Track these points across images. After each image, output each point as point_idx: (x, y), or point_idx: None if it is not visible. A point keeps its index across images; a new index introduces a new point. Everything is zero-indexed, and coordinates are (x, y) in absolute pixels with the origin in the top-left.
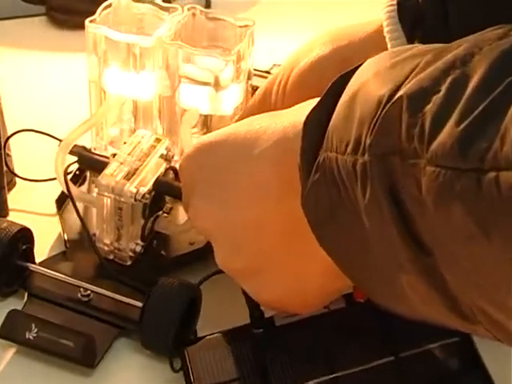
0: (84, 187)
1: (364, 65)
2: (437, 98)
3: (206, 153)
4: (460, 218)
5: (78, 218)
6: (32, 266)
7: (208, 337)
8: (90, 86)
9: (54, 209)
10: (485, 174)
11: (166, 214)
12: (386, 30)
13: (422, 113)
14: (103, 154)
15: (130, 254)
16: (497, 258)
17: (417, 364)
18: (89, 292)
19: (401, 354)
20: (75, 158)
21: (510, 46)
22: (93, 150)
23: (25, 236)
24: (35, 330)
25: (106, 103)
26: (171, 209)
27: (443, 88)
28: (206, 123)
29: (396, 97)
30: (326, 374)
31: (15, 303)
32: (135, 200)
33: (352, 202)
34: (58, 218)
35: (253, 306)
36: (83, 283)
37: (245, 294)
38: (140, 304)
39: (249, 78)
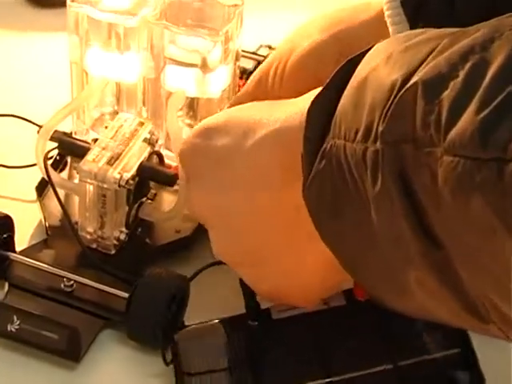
0: (65, 173)
1: (373, 49)
2: (455, 84)
3: (206, 138)
4: (479, 210)
5: (59, 205)
6: (12, 255)
7: (200, 324)
8: (72, 68)
9: (34, 195)
10: (507, 164)
11: (150, 201)
12: (386, 14)
13: (438, 99)
14: (84, 138)
15: (114, 242)
16: None
17: (416, 374)
18: (72, 282)
19: (400, 363)
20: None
21: None
22: (73, 135)
23: (5, 224)
24: (17, 322)
25: (89, 86)
26: (156, 195)
27: (461, 74)
28: (193, 106)
29: (410, 82)
30: (320, 377)
31: None
32: (119, 186)
33: (360, 194)
34: (38, 204)
35: (249, 296)
36: (66, 273)
37: (242, 284)
38: (125, 294)
39: (237, 60)
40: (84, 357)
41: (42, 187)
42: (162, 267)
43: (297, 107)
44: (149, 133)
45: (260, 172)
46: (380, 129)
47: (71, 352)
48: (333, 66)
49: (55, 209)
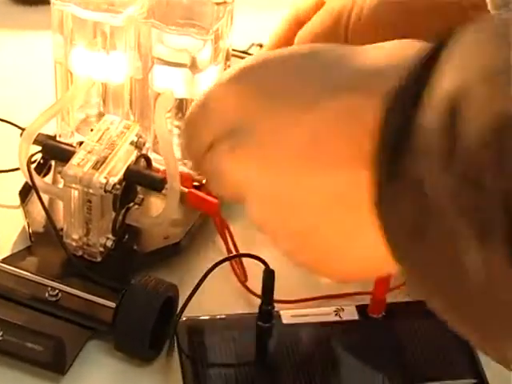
0: (49, 177)
1: (464, 48)
2: None
3: (254, 79)
4: None
5: (43, 211)
6: None
7: (205, 317)
8: (56, 68)
9: (17, 201)
10: None
11: (137, 206)
12: None
13: None
14: (69, 141)
15: (100, 249)
16: None
17: None
18: (57, 291)
19: None
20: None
21: None
22: (58, 138)
23: None
24: (0, 333)
25: (73, 87)
26: (143, 200)
27: None
28: (182, 108)
29: None
30: None
31: None
32: (105, 191)
33: None
34: (21, 210)
35: (266, 299)
36: (51, 281)
37: (264, 282)
38: (113, 304)
39: (227, 59)
40: (70, 369)
41: (26, 192)
42: (150, 275)
43: (380, 67)
44: (136, 135)
45: (322, 146)
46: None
47: (56, 364)
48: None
49: (39, 215)
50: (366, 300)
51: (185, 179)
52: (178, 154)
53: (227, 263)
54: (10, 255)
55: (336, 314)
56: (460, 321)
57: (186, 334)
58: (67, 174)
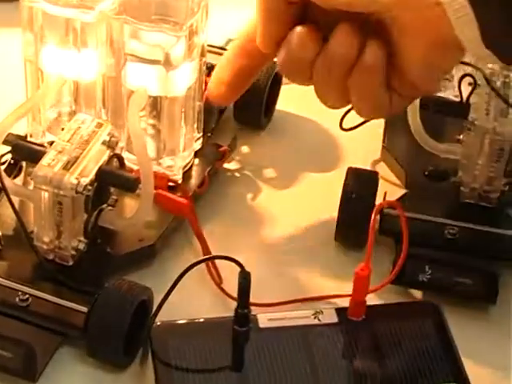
0: (20, 179)
1: None
2: None
3: None
4: None
5: (13, 213)
6: None
7: (180, 321)
8: (26, 66)
9: None
10: None
11: (111, 207)
12: None
13: None
14: (40, 141)
15: (72, 252)
16: None
17: None
18: (27, 296)
19: None
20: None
21: None
22: (29, 137)
23: None
24: None
25: (44, 85)
26: (117, 201)
27: None
28: (156, 106)
29: None
30: None
31: None
32: (76, 192)
33: None
34: None
35: (242, 302)
36: (21, 286)
37: (239, 286)
38: (85, 309)
39: (202, 55)
40: (41, 376)
41: None
42: (123, 278)
43: None
44: (108, 135)
45: None
46: None
47: (27, 371)
48: None
49: (9, 217)
50: (345, 302)
51: (159, 179)
52: (151, 153)
53: (204, 265)
54: None
55: (315, 317)
56: None
57: (160, 339)
58: (37, 175)
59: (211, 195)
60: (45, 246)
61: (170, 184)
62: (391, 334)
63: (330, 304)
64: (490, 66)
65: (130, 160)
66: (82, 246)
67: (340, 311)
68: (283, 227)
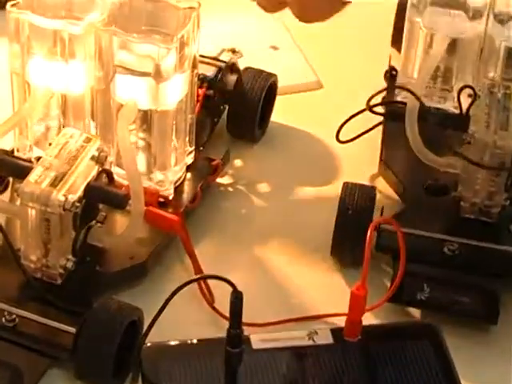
0: (6, 195)
1: None
2: None
3: None
4: None
5: None
6: None
7: (171, 342)
8: (12, 78)
9: None
10: None
11: (100, 224)
12: None
13: None
14: (27, 155)
15: (60, 271)
16: None
17: None
18: (14, 316)
19: None
20: None
21: None
22: (15, 152)
23: None
24: None
25: (32, 98)
26: (106, 217)
27: None
28: (146, 119)
29: None
30: None
31: None
32: (64, 209)
33: None
34: None
35: (234, 322)
36: (7, 306)
37: (231, 306)
38: (73, 329)
39: (194, 67)
40: None
41: None
42: (113, 298)
43: None
44: (97, 150)
45: None
46: None
47: None
48: None
49: None
50: (341, 321)
51: (149, 195)
52: (142, 167)
53: (196, 284)
54: None
55: (309, 338)
56: None
57: (151, 361)
58: (24, 192)
59: (203, 210)
60: (32, 265)
61: (160, 200)
62: (388, 355)
63: (325, 323)
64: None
65: (119, 175)
66: (70, 265)
67: (335, 332)
68: (277, 243)
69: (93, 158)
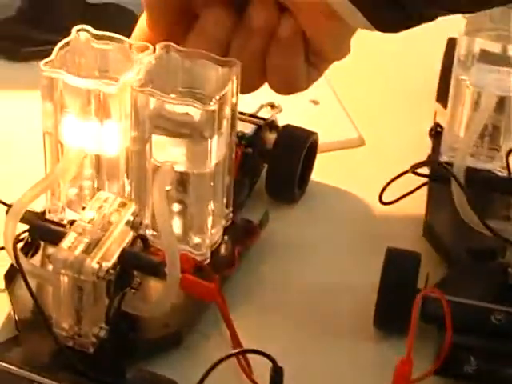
0: (38, 257)
1: None
2: None
3: None
4: None
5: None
6: None
7: None
8: (45, 139)
9: (2, 284)
10: None
11: (134, 291)
12: None
13: None
14: (59, 217)
15: (93, 339)
16: None
17: None
18: None
19: None
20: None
21: None
22: (47, 213)
23: None
24: None
25: (65, 159)
26: (140, 283)
27: None
28: (183, 181)
29: None
30: None
31: None
32: (97, 277)
33: None
34: (7, 295)
35: None
36: (38, 376)
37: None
38: None
39: (233, 127)
40: None
41: (12, 275)
42: (146, 369)
43: None
44: (132, 215)
45: None
46: None
47: None
48: None
49: (26, 300)
50: None
51: (185, 261)
52: (178, 230)
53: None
54: None
55: None
56: None
57: None
58: (56, 259)
59: (240, 275)
60: (64, 333)
61: (196, 265)
62: None
63: None
64: None
65: (155, 236)
66: (103, 333)
67: None
68: (316, 311)
69: (128, 223)
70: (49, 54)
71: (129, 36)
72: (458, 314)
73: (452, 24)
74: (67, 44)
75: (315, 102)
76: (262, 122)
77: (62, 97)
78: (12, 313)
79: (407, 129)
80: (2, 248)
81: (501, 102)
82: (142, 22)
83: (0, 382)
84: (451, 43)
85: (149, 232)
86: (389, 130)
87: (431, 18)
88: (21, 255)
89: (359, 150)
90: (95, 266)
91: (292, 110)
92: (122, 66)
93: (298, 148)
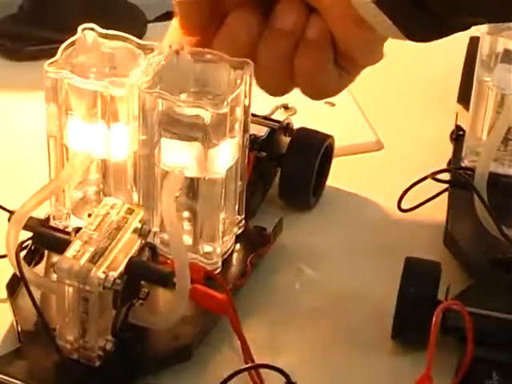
0: (41, 266)
1: None
2: None
3: None
4: None
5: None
6: None
7: None
8: (49, 142)
9: (4, 294)
10: None
11: (141, 301)
12: None
13: None
14: (64, 223)
15: (99, 352)
16: None
17: None
18: None
19: None
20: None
21: None
22: (51, 220)
23: None
24: None
25: (70, 164)
26: (148, 294)
27: None
28: (193, 187)
29: None
30: None
31: None
32: (104, 288)
33: None
34: (9, 305)
35: None
36: None
37: None
38: None
39: (245, 130)
40: None
41: (14, 284)
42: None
43: None
44: (140, 222)
45: None
46: None
47: None
48: None
49: (29, 311)
50: None
51: (196, 271)
52: (187, 239)
53: None
54: None
55: None
56: None
57: None
58: (61, 268)
59: (253, 286)
60: (68, 345)
61: (207, 275)
62: None
63: None
64: None
65: (163, 243)
66: (109, 346)
67: None
68: (332, 323)
69: (135, 230)
70: (52, 53)
71: (137, 33)
72: (480, 327)
73: None
74: (72, 43)
75: (331, 104)
76: (275, 124)
77: (66, 99)
78: (14, 324)
79: (427, 132)
80: (5, 256)
81: None
82: (176, 22)
83: None
84: (473, 42)
85: (157, 240)
86: (408, 132)
87: (464, 28)
88: (24, 264)
89: (377, 154)
90: (101, 275)
91: (307, 112)
92: (130, 67)
93: (312, 152)
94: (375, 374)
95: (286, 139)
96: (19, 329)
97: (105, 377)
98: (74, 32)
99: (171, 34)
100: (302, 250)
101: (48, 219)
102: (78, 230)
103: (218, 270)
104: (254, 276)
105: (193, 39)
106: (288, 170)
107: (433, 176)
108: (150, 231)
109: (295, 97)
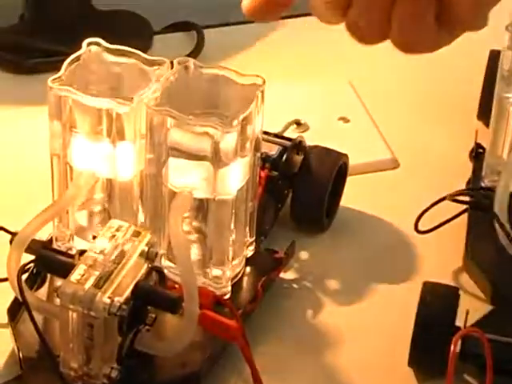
0: (44, 290)
1: None
2: None
3: None
4: None
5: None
6: None
7: None
8: (53, 161)
9: (5, 319)
10: None
11: (148, 327)
12: None
13: None
14: (67, 245)
15: (104, 380)
16: None
17: None
18: None
19: None
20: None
21: None
22: (54, 242)
23: None
24: None
25: (74, 184)
26: (155, 320)
27: None
28: (202, 209)
29: None
30: None
31: None
32: (109, 314)
33: None
34: (10, 330)
35: None
36: None
37: None
38: None
39: (256, 149)
40: None
41: (16, 309)
42: None
43: None
44: (146, 245)
45: None
46: None
47: None
48: None
49: (32, 336)
50: None
51: (205, 296)
52: (196, 262)
53: None
54: None
55: None
56: None
57: None
58: (64, 293)
59: (265, 310)
60: (72, 373)
61: (217, 300)
62: None
63: None
64: None
65: (170, 271)
66: (114, 374)
67: None
68: (346, 350)
69: (142, 254)
70: (54, 66)
71: (143, 45)
72: (500, 354)
73: (494, 35)
74: (77, 58)
75: (345, 120)
76: (287, 142)
77: (71, 116)
78: (16, 350)
79: (446, 149)
80: (6, 279)
81: None
82: None
83: None
84: (494, 55)
85: (165, 264)
86: (425, 150)
87: None
88: (25, 288)
89: (393, 173)
90: (107, 301)
91: (320, 129)
92: (137, 83)
93: (326, 172)
94: None
95: (299, 157)
96: (21, 355)
97: None
98: (77, 42)
99: None
100: (315, 273)
101: (51, 241)
102: (81, 252)
103: (228, 295)
104: (265, 300)
105: None
106: (300, 190)
107: (451, 198)
108: (157, 254)
109: (307, 112)
